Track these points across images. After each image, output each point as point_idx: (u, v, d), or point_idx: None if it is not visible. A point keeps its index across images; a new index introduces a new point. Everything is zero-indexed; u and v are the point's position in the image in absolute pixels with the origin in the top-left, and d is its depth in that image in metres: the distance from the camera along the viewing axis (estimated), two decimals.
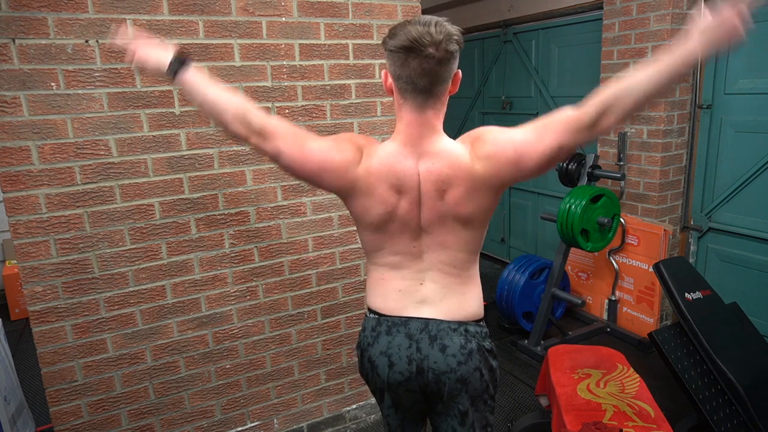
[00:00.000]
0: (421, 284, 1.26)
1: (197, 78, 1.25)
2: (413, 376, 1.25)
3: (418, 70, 1.08)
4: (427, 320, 1.25)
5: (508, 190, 4.53)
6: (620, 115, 1.06)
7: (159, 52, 1.27)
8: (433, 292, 1.26)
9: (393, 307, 1.28)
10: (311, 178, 1.22)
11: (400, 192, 1.18)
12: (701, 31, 0.99)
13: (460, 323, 1.25)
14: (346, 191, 1.22)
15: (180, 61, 1.25)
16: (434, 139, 1.17)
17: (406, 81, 1.11)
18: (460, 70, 1.17)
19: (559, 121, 1.10)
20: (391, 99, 1.20)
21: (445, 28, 1.07)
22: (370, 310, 1.33)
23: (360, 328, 1.37)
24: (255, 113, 1.22)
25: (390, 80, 1.16)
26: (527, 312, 3.35)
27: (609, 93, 1.06)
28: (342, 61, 2.13)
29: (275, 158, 1.22)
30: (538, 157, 1.12)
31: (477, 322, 1.29)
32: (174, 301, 1.99)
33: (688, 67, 1.01)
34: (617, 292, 3.39)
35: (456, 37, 1.08)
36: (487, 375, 1.27)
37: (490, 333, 1.33)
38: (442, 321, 1.25)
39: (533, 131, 1.13)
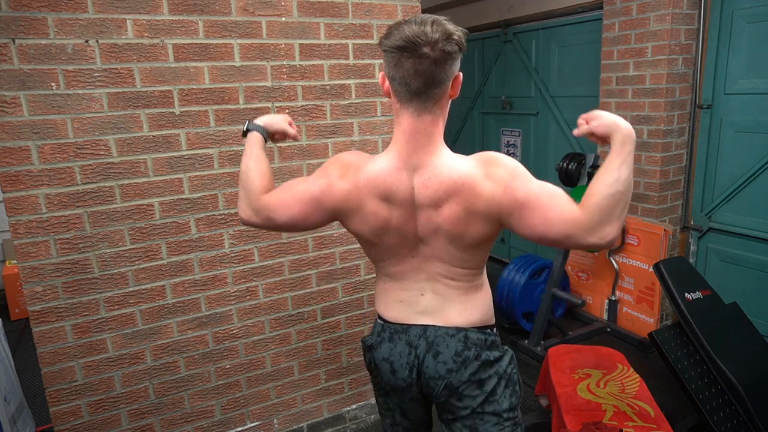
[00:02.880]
0: (422, 295, 1.23)
1: (254, 144, 1.33)
2: (414, 382, 1.24)
3: (411, 70, 1.02)
4: (425, 326, 1.23)
5: None
6: (620, 222, 1.06)
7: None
8: (434, 303, 1.22)
9: (394, 316, 1.27)
10: (305, 223, 1.24)
11: (391, 204, 1.13)
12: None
13: (459, 329, 1.21)
14: (341, 212, 1.20)
15: (253, 126, 1.35)
16: (432, 150, 1.10)
17: (399, 82, 1.06)
18: (461, 73, 1.10)
19: (570, 214, 1.04)
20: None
21: (444, 27, 1.00)
22: (378, 315, 1.33)
23: (362, 327, 1.37)
24: (258, 198, 1.26)
25: (387, 83, 1.11)
26: (527, 312, 3.35)
27: (601, 198, 1.06)
28: (342, 61, 2.13)
29: (272, 227, 1.29)
30: (533, 225, 1.06)
31: (481, 329, 1.23)
32: (174, 301, 1.99)
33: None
34: (617, 292, 3.39)
35: (456, 37, 1.01)
36: (490, 386, 1.21)
37: None
38: (440, 327, 1.22)
39: (550, 199, 1.06)
